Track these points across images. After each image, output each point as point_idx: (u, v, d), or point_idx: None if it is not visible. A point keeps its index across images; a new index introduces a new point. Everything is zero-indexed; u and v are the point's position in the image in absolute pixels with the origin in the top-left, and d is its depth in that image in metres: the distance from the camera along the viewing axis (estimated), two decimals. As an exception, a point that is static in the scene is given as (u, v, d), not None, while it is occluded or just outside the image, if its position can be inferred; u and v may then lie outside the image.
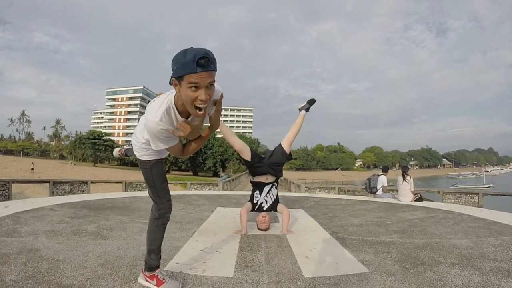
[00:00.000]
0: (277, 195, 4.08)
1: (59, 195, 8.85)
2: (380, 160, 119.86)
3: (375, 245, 3.43)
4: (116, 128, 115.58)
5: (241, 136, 64.53)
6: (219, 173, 53.31)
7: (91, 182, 10.91)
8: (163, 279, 2.13)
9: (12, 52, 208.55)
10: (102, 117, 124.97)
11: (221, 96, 1.84)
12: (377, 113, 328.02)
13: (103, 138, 66.77)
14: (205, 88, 1.57)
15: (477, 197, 8.77)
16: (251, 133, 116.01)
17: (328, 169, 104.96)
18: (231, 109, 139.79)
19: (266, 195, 3.98)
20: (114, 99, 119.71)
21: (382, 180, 8.35)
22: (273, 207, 4.03)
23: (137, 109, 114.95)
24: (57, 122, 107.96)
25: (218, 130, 2.50)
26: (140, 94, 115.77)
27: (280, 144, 4.17)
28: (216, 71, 1.61)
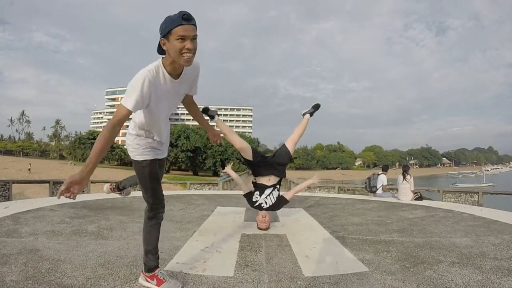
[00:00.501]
0: (278, 197, 4.05)
1: (59, 195, 8.83)
2: (380, 159, 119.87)
3: (375, 244, 3.43)
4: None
5: (241, 136, 64.61)
6: (219, 172, 53.32)
7: (91, 182, 10.91)
8: (163, 278, 2.14)
9: (12, 52, 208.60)
10: (102, 117, 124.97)
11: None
12: (377, 112, 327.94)
13: (103, 138, 66.73)
14: (190, 39, 1.78)
15: (477, 196, 8.80)
16: (251, 132, 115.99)
17: (328, 169, 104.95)
18: (230, 109, 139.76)
19: (266, 197, 3.97)
20: (114, 99, 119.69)
21: (382, 179, 8.35)
22: (273, 208, 4.02)
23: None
24: (57, 122, 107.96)
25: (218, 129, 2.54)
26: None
27: (284, 144, 4.16)
28: (196, 29, 1.82)
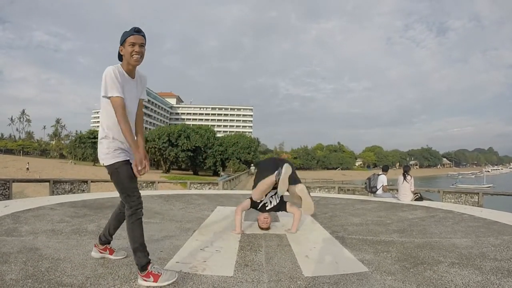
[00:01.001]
0: (281, 199, 4.06)
1: (59, 194, 8.85)
2: (380, 160, 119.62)
3: (375, 245, 3.43)
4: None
5: (241, 136, 64.55)
6: (219, 172, 53.31)
7: (91, 182, 10.91)
8: (158, 272, 2.20)
9: (12, 51, 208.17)
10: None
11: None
12: (377, 112, 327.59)
13: (103, 137, 66.72)
14: (139, 45, 2.32)
15: (477, 197, 8.77)
16: (251, 132, 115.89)
17: (328, 169, 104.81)
18: (231, 108, 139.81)
19: (271, 197, 3.97)
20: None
21: (382, 180, 8.35)
22: (277, 208, 4.02)
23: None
24: (57, 121, 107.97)
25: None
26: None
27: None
28: (145, 40, 2.37)
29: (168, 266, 2.55)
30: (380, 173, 8.63)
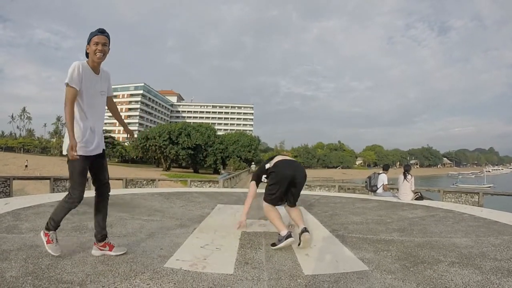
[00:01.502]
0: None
1: (60, 192, 8.87)
2: (380, 159, 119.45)
3: (375, 243, 3.43)
4: (117, 125, 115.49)
5: (242, 134, 64.52)
6: (219, 170, 53.31)
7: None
8: (52, 240, 2.65)
9: (13, 48, 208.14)
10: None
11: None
12: (378, 111, 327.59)
13: (103, 135, 66.78)
14: (101, 44, 2.61)
15: (477, 197, 8.77)
16: (252, 130, 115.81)
17: (328, 167, 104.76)
18: (232, 107, 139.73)
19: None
20: (115, 96, 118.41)
21: (383, 179, 8.35)
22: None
23: (138, 106, 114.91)
24: (58, 119, 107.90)
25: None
26: (141, 91, 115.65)
27: None
28: (109, 40, 2.68)
29: (168, 264, 2.55)
30: (380, 172, 8.63)
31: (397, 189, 8.20)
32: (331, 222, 4.66)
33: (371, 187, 8.44)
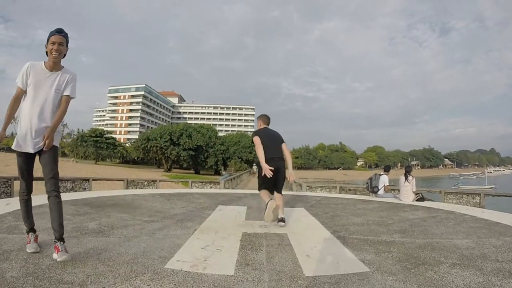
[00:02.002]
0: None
1: (61, 192, 8.84)
2: (381, 160, 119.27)
3: (376, 245, 3.42)
4: (118, 126, 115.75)
5: (243, 135, 64.52)
6: (220, 171, 53.30)
7: (93, 180, 10.94)
8: (30, 240, 2.82)
9: (14, 49, 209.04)
10: (104, 115, 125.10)
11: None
12: (379, 112, 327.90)
13: (105, 136, 66.88)
14: (58, 44, 2.72)
15: (478, 198, 8.76)
16: (253, 131, 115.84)
17: (329, 168, 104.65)
18: (233, 108, 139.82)
19: None
20: (116, 97, 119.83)
21: (384, 180, 8.35)
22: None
23: (139, 107, 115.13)
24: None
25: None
26: (142, 92, 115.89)
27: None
28: (66, 40, 2.82)
29: (168, 265, 2.54)
30: (381, 173, 8.63)
31: (398, 190, 8.20)
32: (332, 223, 4.65)
33: (372, 188, 8.44)
